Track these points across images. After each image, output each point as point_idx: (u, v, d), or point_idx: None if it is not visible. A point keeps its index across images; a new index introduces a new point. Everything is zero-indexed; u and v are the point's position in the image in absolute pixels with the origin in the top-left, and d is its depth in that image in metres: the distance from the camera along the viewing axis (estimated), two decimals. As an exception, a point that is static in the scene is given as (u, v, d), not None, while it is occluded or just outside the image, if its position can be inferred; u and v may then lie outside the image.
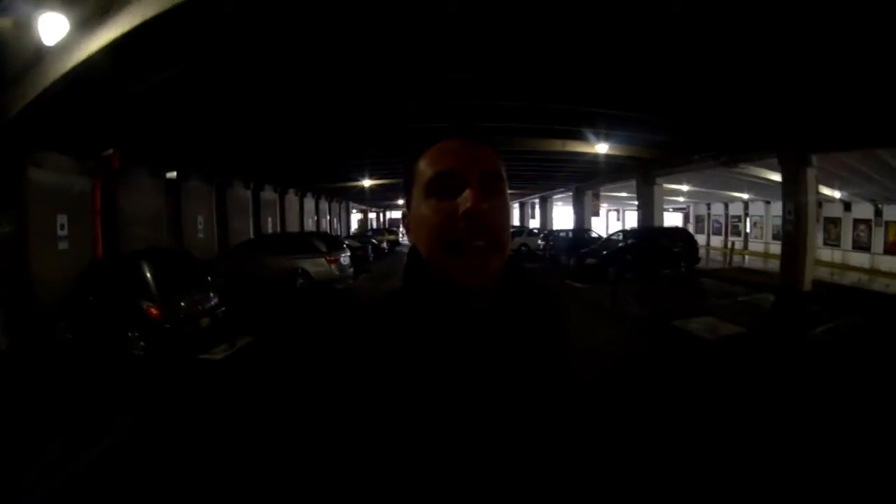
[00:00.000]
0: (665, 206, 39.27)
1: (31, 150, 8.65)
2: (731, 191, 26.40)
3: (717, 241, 31.10)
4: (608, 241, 17.05)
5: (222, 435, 4.40)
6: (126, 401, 5.35)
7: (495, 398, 0.75)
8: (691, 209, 37.41)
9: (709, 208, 34.13)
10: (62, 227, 9.98)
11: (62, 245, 9.92)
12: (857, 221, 23.99)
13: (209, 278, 7.97)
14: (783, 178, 13.50)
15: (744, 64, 7.18)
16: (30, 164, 8.82)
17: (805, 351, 6.90)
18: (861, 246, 23.38)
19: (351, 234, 35.20)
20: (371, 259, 21.07)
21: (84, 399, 5.39)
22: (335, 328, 0.80)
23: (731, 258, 19.26)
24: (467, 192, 0.75)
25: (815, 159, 12.72)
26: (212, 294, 7.70)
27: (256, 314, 9.85)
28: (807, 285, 12.37)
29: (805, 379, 5.66)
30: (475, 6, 5.53)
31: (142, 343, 6.64)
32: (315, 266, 12.22)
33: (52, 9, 5.10)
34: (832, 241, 24.61)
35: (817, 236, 24.75)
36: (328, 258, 12.39)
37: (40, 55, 6.08)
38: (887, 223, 22.43)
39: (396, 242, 31.77)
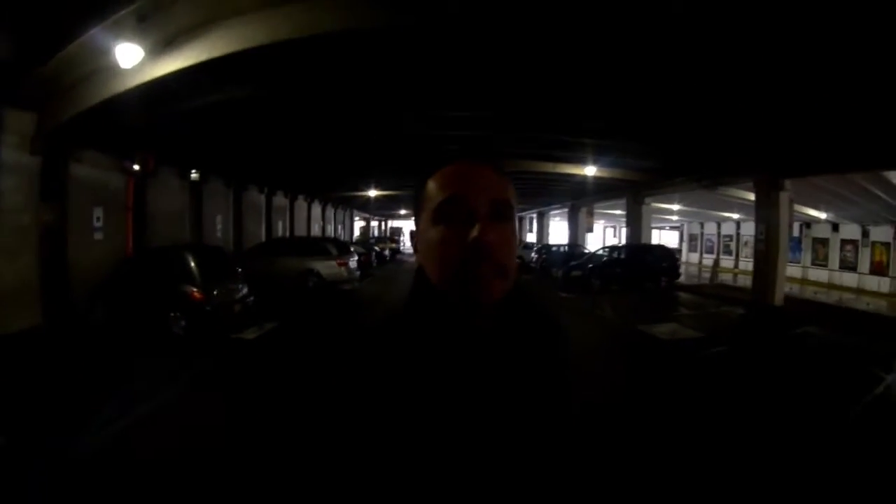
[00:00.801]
0: (661, 225, 40.73)
1: (73, 147, 9.58)
2: (720, 211, 27.46)
3: (709, 259, 31.97)
4: (593, 255, 18.33)
5: (255, 400, 5.53)
6: (168, 371, 6.38)
7: (493, 419, 0.75)
8: (685, 228, 38.61)
9: (702, 227, 35.12)
10: (98, 219, 10.87)
11: (97, 236, 10.83)
12: (844, 242, 24.80)
13: (239, 270, 9.20)
14: (756, 200, 14.50)
15: (722, 99, 8.18)
16: (72, 159, 9.71)
17: (738, 356, 8.10)
18: (848, 266, 24.20)
19: (354, 240, 36.44)
20: (374, 264, 22.38)
21: (126, 370, 6.42)
22: (341, 346, 0.80)
23: (713, 275, 20.40)
24: (475, 221, 0.77)
25: (787, 184, 13.64)
26: (242, 284, 8.94)
27: (278, 305, 11.08)
28: (778, 301, 13.29)
29: (713, 377, 6.89)
30: (470, 61, 6.83)
31: (182, 323, 7.84)
32: (326, 268, 13.49)
33: (128, 40, 6.31)
34: (820, 262, 25.51)
35: (807, 256, 26.00)
36: (338, 261, 13.68)
37: (94, 73, 7.21)
38: (873, 244, 23.16)
39: (397, 250, 33.09)
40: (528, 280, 18.67)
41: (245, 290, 8.91)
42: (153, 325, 7.96)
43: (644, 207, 20.72)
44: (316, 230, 29.23)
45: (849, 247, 24.52)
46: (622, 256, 16.95)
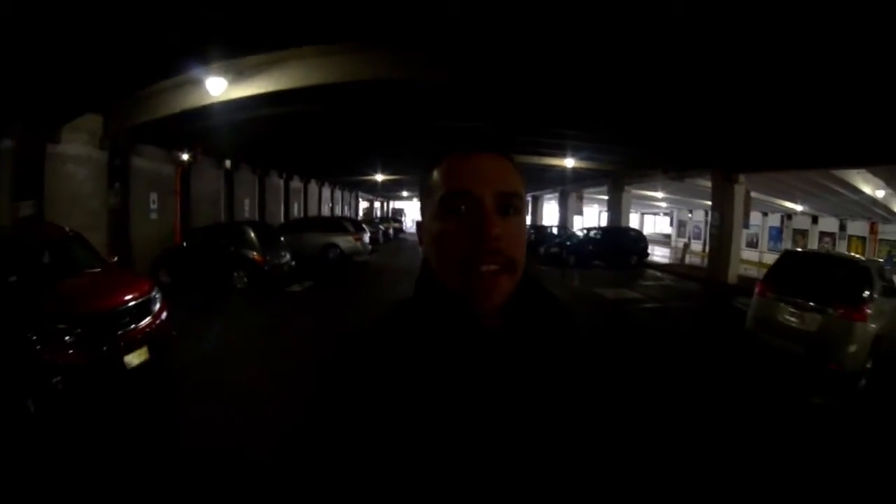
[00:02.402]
0: (655, 211, 42.91)
1: (135, 143, 11.57)
2: (700, 199, 29.81)
3: (697, 245, 32.95)
4: (571, 235, 20.99)
5: (306, 324, 8.26)
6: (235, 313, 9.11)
7: (501, 416, 0.73)
8: (675, 214, 40.85)
9: (690, 214, 36.70)
10: (153, 202, 12.98)
11: (153, 216, 12.94)
12: (822, 234, 26.34)
13: (282, 240, 11.84)
14: (713, 191, 16.48)
15: (683, 105, 9.50)
16: (133, 153, 11.71)
17: (659, 310, 10.76)
18: None
19: (359, 220, 39.22)
20: (381, 241, 25.12)
21: (211, 311, 8.95)
22: (346, 341, 0.79)
23: (683, 256, 22.89)
24: (480, 215, 0.73)
25: (741, 178, 15.47)
26: (286, 252, 11.59)
27: (309, 270, 13.74)
28: (731, 279, 15.30)
29: (630, 319, 9.54)
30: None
31: (245, 280, 10.49)
32: (345, 242, 16.28)
33: (216, 74, 8.70)
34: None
35: (787, 245, 27.89)
36: (354, 237, 16.39)
37: (169, 89, 9.36)
38: (850, 237, 24.73)
39: (400, 230, 36.19)
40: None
41: (288, 256, 11.57)
42: (219, 282, 10.56)
43: (624, 194, 23.03)
44: (325, 210, 31.72)
45: (827, 238, 26.05)
46: (597, 237, 19.52)
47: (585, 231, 20.81)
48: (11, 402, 3.99)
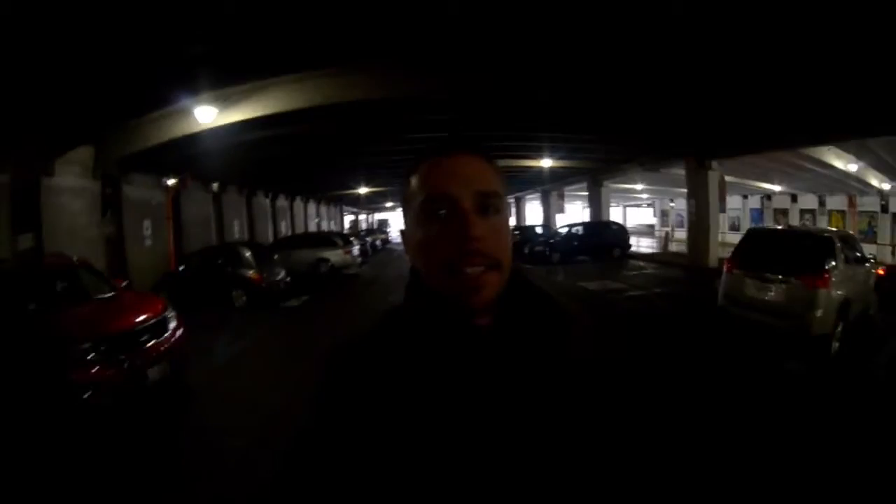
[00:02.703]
0: (638, 203, 43.56)
1: (125, 172, 11.75)
2: (681, 187, 30.25)
3: (681, 233, 33.81)
4: (555, 233, 21.57)
5: (306, 335, 8.60)
6: (240, 329, 9.44)
7: (494, 415, 0.72)
8: (657, 204, 41.64)
9: (672, 202, 37.52)
10: (147, 229, 13.14)
11: (147, 242, 13.10)
12: (802, 211, 27.27)
13: (276, 258, 12.16)
14: (687, 179, 17.04)
15: (653, 96, 9.86)
16: (123, 182, 11.88)
17: (639, 297, 11.26)
18: None
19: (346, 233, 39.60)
20: (370, 253, 25.43)
21: (214, 329, 9.25)
22: (336, 347, 0.78)
23: (665, 245, 23.54)
24: (460, 217, 0.73)
25: (714, 164, 15.99)
26: (280, 269, 11.91)
27: (302, 285, 14.03)
28: (712, 262, 15.52)
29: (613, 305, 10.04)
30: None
31: (244, 298, 10.79)
32: (335, 256, 16.60)
33: (205, 103, 9.04)
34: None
35: (770, 224, 28.42)
36: (344, 250, 16.76)
37: (157, 119, 9.71)
38: (830, 212, 25.50)
39: (386, 241, 36.57)
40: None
41: (283, 273, 11.90)
42: (219, 301, 10.82)
43: (603, 189, 23.81)
44: (312, 226, 32.03)
45: (807, 215, 26.86)
46: (579, 232, 20.08)
47: (567, 228, 21.33)
48: (48, 420, 4.32)
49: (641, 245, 26.08)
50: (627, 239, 20.50)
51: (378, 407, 0.72)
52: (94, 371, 4.51)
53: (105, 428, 4.51)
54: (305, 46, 6.80)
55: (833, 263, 6.43)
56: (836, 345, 6.46)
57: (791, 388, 5.44)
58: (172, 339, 5.40)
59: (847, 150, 17.55)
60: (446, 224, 0.74)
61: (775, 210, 28.78)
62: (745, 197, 30.88)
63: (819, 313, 6.16)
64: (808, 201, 26.73)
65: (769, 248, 7.06)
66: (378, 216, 59.10)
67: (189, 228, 15.68)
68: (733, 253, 7.53)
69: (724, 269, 7.43)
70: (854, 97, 9.02)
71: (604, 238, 19.94)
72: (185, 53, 6.45)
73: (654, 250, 23.95)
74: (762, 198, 29.49)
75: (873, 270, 8.12)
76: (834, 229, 11.38)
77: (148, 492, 3.62)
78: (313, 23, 5.93)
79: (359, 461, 0.70)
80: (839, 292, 6.45)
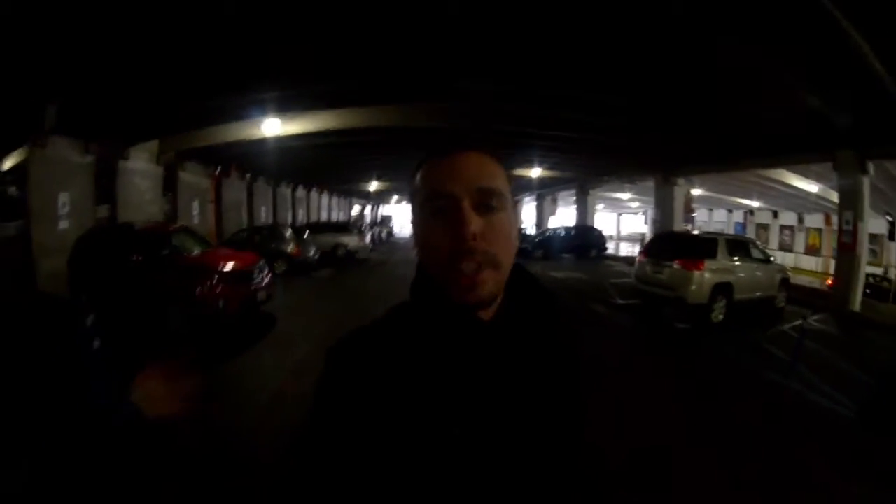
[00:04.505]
0: (634, 211, 46.07)
1: (182, 161, 14.35)
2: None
3: None
4: (544, 233, 24.62)
5: (339, 293, 11.57)
6: (288, 287, 12.38)
7: (495, 407, 0.75)
8: (648, 213, 44.03)
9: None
10: (195, 209, 15.63)
11: (195, 220, 15.28)
12: (782, 227, 29.30)
13: (307, 237, 15.18)
14: (655, 192, 19.40)
15: (628, 125, 11.75)
16: (180, 169, 14.35)
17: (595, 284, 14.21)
18: (785, 248, 28.24)
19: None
20: (378, 243, 28.76)
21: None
22: (342, 340, 0.80)
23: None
24: (457, 215, 0.75)
25: (680, 180, 18.26)
26: (311, 247, 14.90)
27: (325, 262, 17.06)
28: None
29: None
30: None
31: (284, 268, 13.72)
32: (351, 241, 19.70)
33: (272, 116, 11.80)
34: (762, 243, 28.83)
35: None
36: (359, 237, 19.95)
37: (206, 124, 12.28)
38: (808, 229, 27.41)
39: (391, 233, 40.12)
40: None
41: (314, 250, 14.91)
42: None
43: (588, 197, 26.25)
44: (323, 215, 34.95)
45: (787, 231, 28.85)
46: (563, 234, 23.14)
47: (553, 230, 24.40)
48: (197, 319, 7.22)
49: (633, 251, 28.16)
50: (604, 242, 23.70)
51: (379, 396, 0.72)
52: (222, 290, 7.42)
53: (233, 325, 7.54)
54: (355, 94, 9.76)
55: (712, 256, 9.24)
56: (720, 316, 9.19)
57: (673, 338, 8.51)
58: (268, 278, 8.40)
59: (806, 175, 19.05)
60: (445, 221, 0.75)
61: (757, 225, 30.76)
62: (730, 211, 32.93)
63: (693, 288, 8.99)
64: (789, 218, 28.39)
65: (669, 244, 9.99)
66: (383, 210, 61.62)
67: (227, 211, 18.31)
68: (643, 247, 10.47)
69: (637, 258, 10.38)
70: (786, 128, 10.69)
71: (585, 240, 23.03)
72: (258, 96, 9.54)
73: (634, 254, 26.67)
74: (745, 213, 31.49)
75: (782, 271, 10.81)
76: (728, 234, 14.15)
77: (258, 351, 6.66)
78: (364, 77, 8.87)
79: (361, 451, 0.71)
80: (716, 276, 9.14)
